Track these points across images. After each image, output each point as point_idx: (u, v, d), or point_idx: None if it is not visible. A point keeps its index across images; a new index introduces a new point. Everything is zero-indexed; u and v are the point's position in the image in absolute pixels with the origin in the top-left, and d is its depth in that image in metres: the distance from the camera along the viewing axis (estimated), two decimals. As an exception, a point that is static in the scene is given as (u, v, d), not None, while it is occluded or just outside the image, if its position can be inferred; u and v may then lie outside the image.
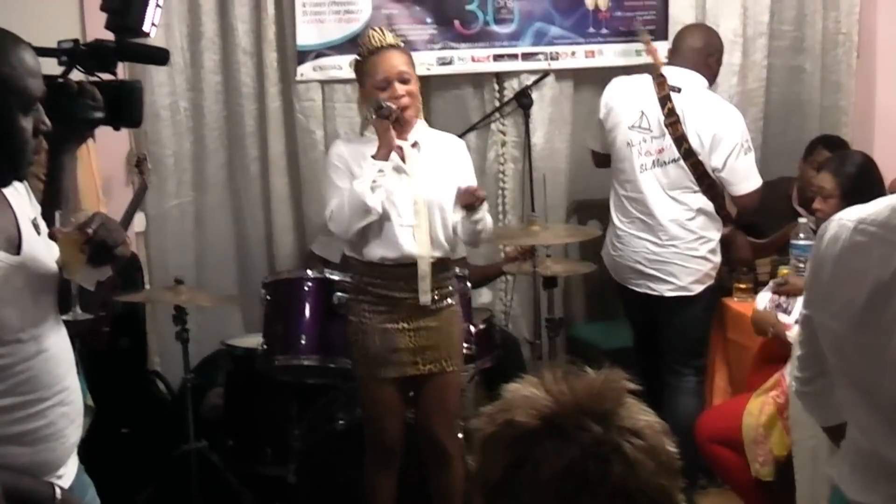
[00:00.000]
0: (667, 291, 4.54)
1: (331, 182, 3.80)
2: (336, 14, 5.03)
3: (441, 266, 3.83)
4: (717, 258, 4.59)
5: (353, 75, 4.00)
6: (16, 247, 2.19)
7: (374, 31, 3.87)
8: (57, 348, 2.27)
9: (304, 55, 5.02)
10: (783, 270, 4.44)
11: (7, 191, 2.23)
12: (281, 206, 5.19)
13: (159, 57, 2.63)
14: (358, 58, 3.86)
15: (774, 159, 5.47)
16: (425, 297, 3.74)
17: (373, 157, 3.67)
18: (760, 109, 5.49)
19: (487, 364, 4.50)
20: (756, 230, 5.08)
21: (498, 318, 5.02)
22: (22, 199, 2.28)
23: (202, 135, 5.12)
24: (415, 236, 3.73)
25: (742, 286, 4.66)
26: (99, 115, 2.37)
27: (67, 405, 2.28)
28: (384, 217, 3.71)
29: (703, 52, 4.64)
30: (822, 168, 4.20)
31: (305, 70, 5.03)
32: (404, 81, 3.74)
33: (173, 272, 4.69)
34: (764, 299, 4.34)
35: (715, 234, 4.57)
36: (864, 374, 2.03)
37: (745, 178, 4.51)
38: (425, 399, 3.89)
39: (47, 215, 2.34)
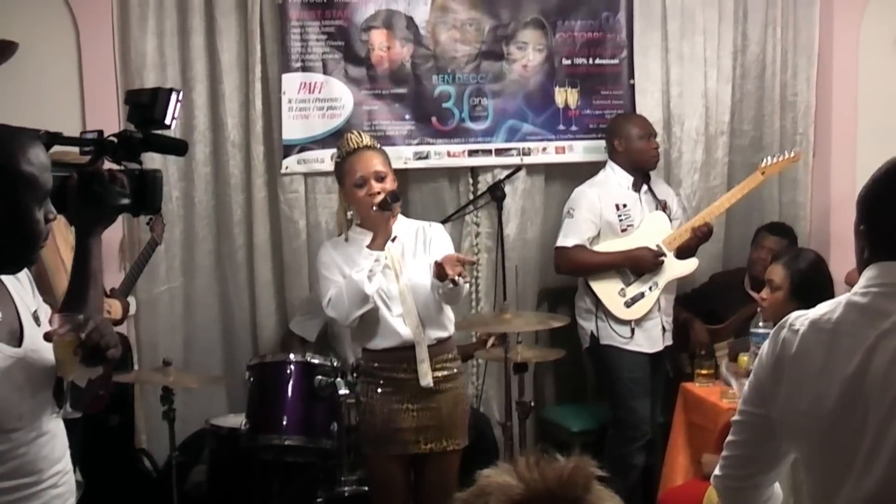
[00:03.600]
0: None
1: (324, 278, 4.02)
2: (320, 110, 5.24)
3: (441, 347, 4.05)
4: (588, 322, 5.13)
5: (334, 168, 4.22)
6: (17, 339, 2.23)
7: (353, 133, 4.13)
8: (53, 433, 2.32)
9: (289, 149, 5.22)
10: (743, 358, 4.58)
11: (9, 282, 2.29)
12: (265, 292, 5.33)
13: (180, 148, 2.70)
14: (337, 159, 4.09)
15: (735, 251, 5.71)
16: (426, 380, 3.96)
17: (368, 247, 3.91)
18: (722, 204, 5.71)
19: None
20: (714, 316, 5.33)
21: (470, 400, 5.17)
22: (24, 290, 2.33)
23: (192, 223, 5.27)
24: (406, 323, 3.97)
25: (703, 372, 4.78)
26: (126, 201, 2.43)
27: (61, 486, 2.33)
28: (379, 310, 3.94)
29: (608, 140, 5.26)
30: (775, 259, 4.37)
31: (290, 163, 5.22)
32: (380, 179, 3.98)
33: (162, 353, 4.81)
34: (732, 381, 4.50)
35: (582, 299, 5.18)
36: (840, 466, 2.04)
37: (559, 235, 5.12)
38: (427, 480, 4.08)
39: (74, 298, 2.41)
